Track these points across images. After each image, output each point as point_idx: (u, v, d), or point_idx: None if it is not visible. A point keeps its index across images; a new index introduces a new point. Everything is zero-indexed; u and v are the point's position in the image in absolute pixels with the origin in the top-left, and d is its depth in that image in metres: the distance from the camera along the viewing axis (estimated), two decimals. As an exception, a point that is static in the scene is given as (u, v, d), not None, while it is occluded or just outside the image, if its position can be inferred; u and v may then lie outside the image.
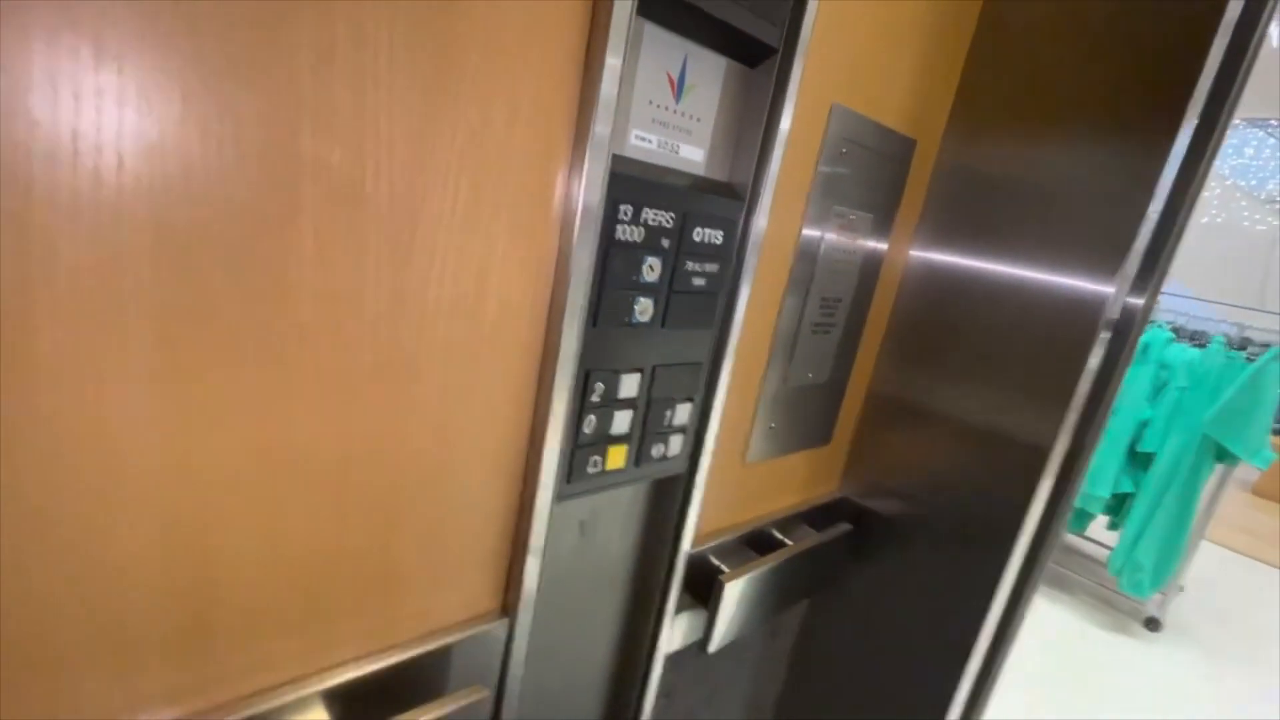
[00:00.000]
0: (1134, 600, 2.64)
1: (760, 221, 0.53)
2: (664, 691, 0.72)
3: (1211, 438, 2.26)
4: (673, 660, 0.71)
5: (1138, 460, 2.48)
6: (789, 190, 0.58)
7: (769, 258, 0.59)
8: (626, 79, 0.42)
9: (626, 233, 0.44)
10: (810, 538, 0.76)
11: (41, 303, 0.26)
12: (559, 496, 0.48)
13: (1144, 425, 2.45)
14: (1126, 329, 0.65)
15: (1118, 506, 2.56)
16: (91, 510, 0.29)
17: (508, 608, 0.49)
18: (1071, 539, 3.17)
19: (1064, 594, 2.94)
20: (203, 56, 0.27)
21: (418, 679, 0.45)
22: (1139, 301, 0.65)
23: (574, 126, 0.40)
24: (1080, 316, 0.64)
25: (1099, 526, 2.75)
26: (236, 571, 0.35)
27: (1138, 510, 2.44)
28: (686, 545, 0.61)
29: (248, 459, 0.33)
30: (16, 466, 0.27)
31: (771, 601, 0.73)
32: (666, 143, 0.47)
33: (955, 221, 0.73)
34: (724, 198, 0.51)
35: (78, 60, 0.24)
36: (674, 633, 0.66)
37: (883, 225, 0.70)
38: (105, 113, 0.25)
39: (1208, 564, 3.19)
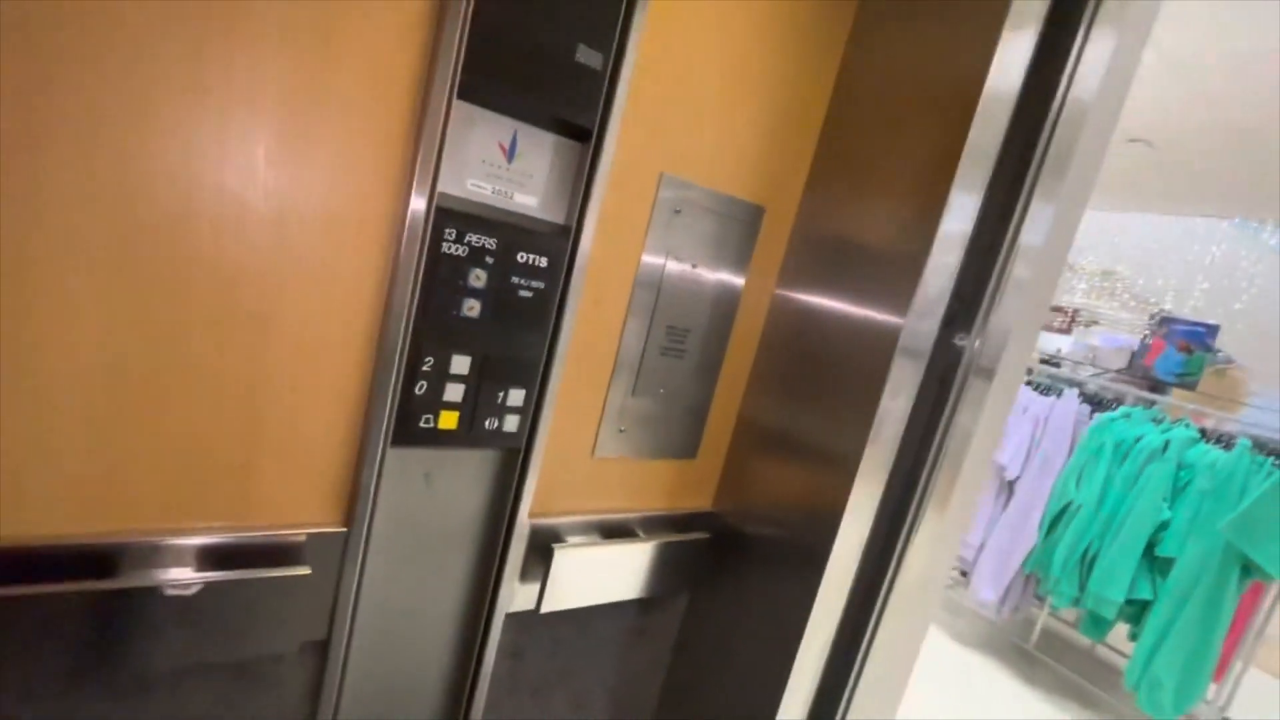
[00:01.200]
0: (1161, 724, 2.41)
1: (584, 254, 0.69)
2: (513, 652, 0.84)
3: (1236, 546, 2.11)
4: (520, 622, 0.83)
5: (1157, 565, 2.34)
6: (622, 236, 0.74)
7: (604, 287, 0.75)
8: (458, 143, 0.61)
9: (452, 249, 0.62)
10: (660, 536, 0.88)
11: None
12: (394, 441, 0.64)
13: (1163, 527, 2.32)
14: (944, 363, 0.76)
15: (1137, 614, 2.39)
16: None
17: (348, 521, 0.64)
18: (1095, 649, 2.95)
19: (1088, 710, 2.72)
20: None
21: (270, 558, 0.61)
22: (963, 343, 0.76)
23: (408, 174, 0.59)
24: (882, 342, 0.74)
25: (1124, 636, 2.56)
26: (137, 441, 0.53)
27: (1155, 620, 2.27)
28: (524, 512, 0.75)
29: (156, 364, 0.52)
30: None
31: (617, 583, 0.84)
32: (500, 190, 0.65)
33: (812, 271, 0.86)
34: (549, 234, 0.68)
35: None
36: (514, 593, 0.78)
37: (734, 270, 0.85)
38: None
39: (1257, 695, 2.87)
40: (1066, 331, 4.53)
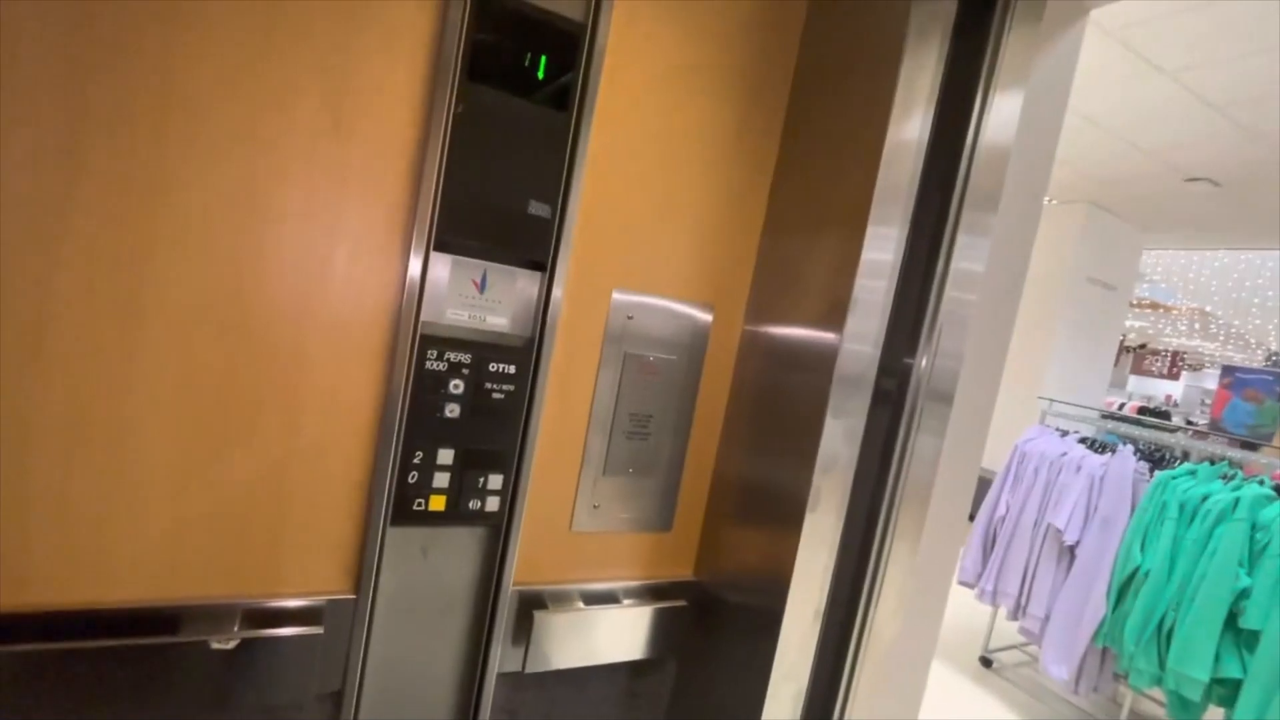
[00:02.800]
0: (1282, 827, 2.13)
1: (547, 359, 0.84)
2: (507, 707, 0.94)
3: (1329, 617, 1.92)
4: (513, 682, 0.94)
5: (1243, 638, 2.13)
6: (581, 341, 0.89)
7: (568, 384, 0.89)
8: (438, 284, 0.79)
9: (434, 365, 0.79)
10: (641, 604, 0.98)
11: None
12: (393, 521, 0.79)
13: (1243, 595, 2.13)
14: (895, 389, 0.85)
15: (1230, 696, 2.17)
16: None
17: (357, 588, 0.79)
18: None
19: (1193, 807, 2.43)
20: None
21: (294, 619, 0.76)
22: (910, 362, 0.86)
23: (397, 311, 0.77)
24: (821, 369, 0.84)
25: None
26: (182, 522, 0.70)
27: (1248, 700, 2.06)
28: (509, 581, 0.88)
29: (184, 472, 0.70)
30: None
31: (601, 647, 0.94)
32: (475, 315, 0.82)
33: (763, 362, 0.98)
34: (516, 347, 0.84)
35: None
36: (504, 655, 0.90)
37: (690, 363, 0.98)
38: (165, 315, 0.66)
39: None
40: (1174, 377, 4.29)
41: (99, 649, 0.65)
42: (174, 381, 0.68)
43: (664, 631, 1.00)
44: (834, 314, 0.84)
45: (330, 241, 0.73)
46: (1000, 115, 0.88)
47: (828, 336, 0.84)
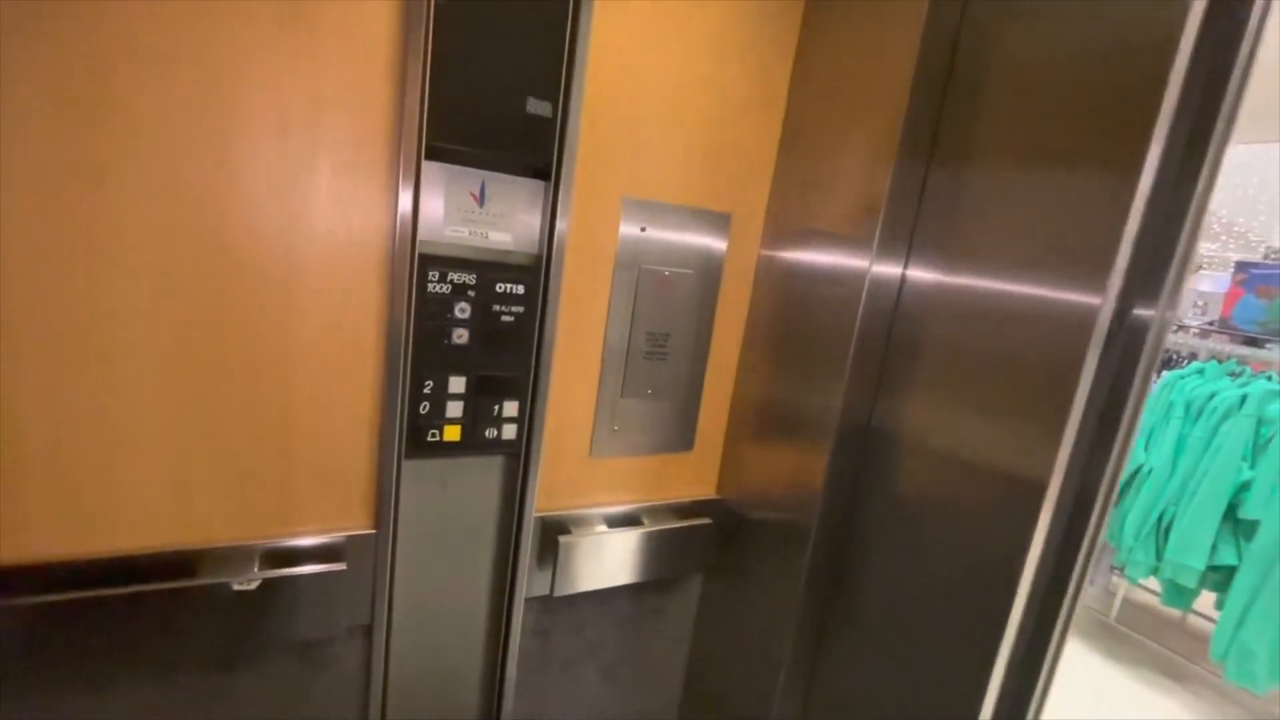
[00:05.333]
0: (1261, 697, 2.27)
1: (558, 278, 0.78)
2: (538, 631, 0.95)
3: (1328, 505, 1.96)
4: (542, 605, 0.94)
5: (1241, 528, 2.19)
6: (592, 257, 0.83)
7: (581, 304, 0.83)
8: (434, 198, 0.71)
9: (436, 288, 0.73)
10: (664, 524, 0.96)
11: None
12: (407, 454, 0.76)
13: (1244, 488, 2.17)
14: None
15: (1223, 581, 2.25)
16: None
17: (378, 524, 0.76)
18: (1186, 619, 2.79)
19: (1175, 683, 2.59)
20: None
21: (313, 557, 0.73)
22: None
23: (393, 230, 0.70)
24: (844, 290, 0.79)
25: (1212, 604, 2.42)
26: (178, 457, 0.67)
27: (1241, 585, 2.14)
28: (530, 510, 0.85)
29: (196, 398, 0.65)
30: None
31: (627, 568, 0.93)
32: (477, 231, 0.75)
33: (788, 266, 0.91)
34: (523, 265, 0.77)
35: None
36: (532, 580, 0.89)
37: (708, 274, 0.92)
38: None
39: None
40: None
41: (118, 596, 0.63)
42: (159, 323, 0.62)
43: (688, 549, 0.99)
44: (867, 219, 0.77)
45: (308, 154, 0.65)
46: None
47: (860, 238, 0.78)
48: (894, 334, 0.80)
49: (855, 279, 0.78)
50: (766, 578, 0.93)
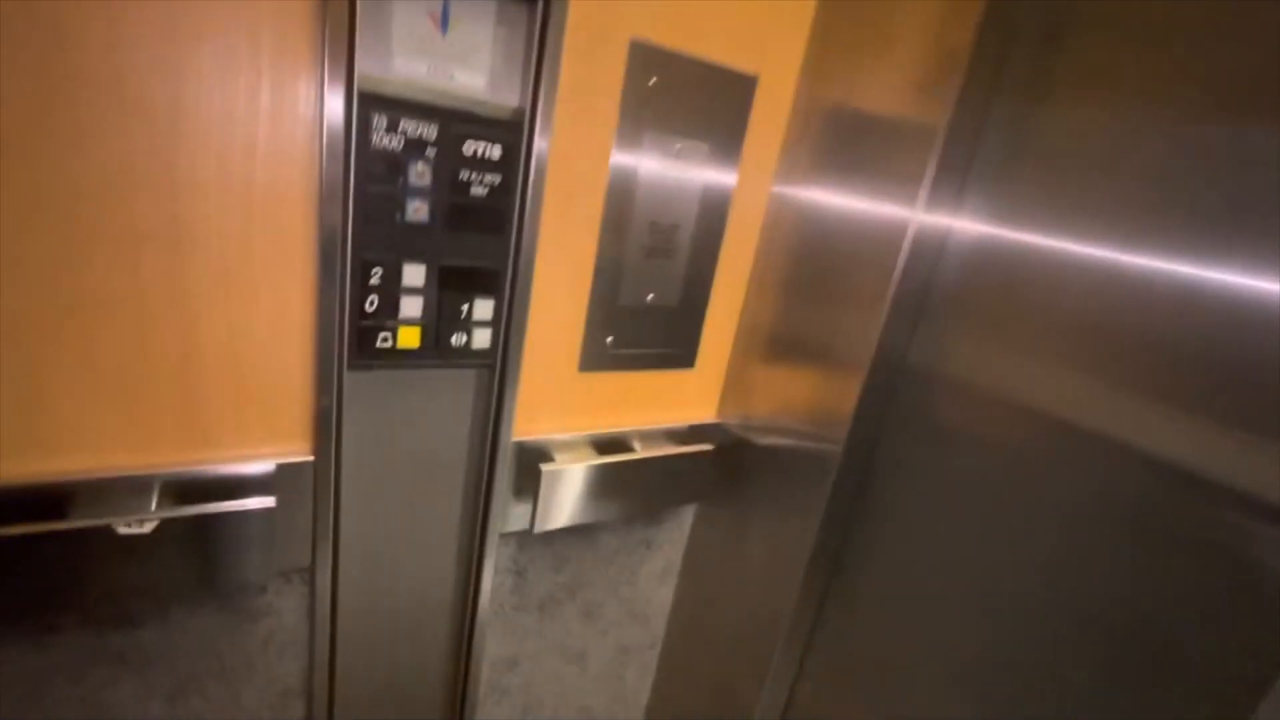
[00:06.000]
0: None
1: (544, 140, 0.60)
2: (515, 570, 0.83)
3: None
4: (519, 541, 0.81)
5: None
6: (588, 118, 0.64)
7: (573, 178, 0.66)
8: (375, 15, 0.52)
9: (383, 141, 0.54)
10: (658, 450, 0.83)
11: None
12: (351, 364, 0.59)
13: None
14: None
15: None
16: None
17: (316, 449, 0.61)
18: None
19: None
20: None
21: (231, 490, 0.58)
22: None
23: (319, 57, 0.50)
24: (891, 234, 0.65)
25: None
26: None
27: None
28: (507, 434, 0.71)
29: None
30: None
31: (616, 499, 0.81)
32: (437, 69, 0.56)
33: (821, 157, 0.75)
34: (501, 120, 0.59)
35: None
36: (508, 514, 0.76)
37: (725, 156, 0.75)
38: None
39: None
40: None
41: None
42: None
43: (685, 478, 0.87)
44: (940, 77, 0.61)
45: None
46: None
47: (916, 123, 0.62)
48: (950, 252, 0.66)
49: (909, 178, 0.63)
50: (775, 510, 0.82)
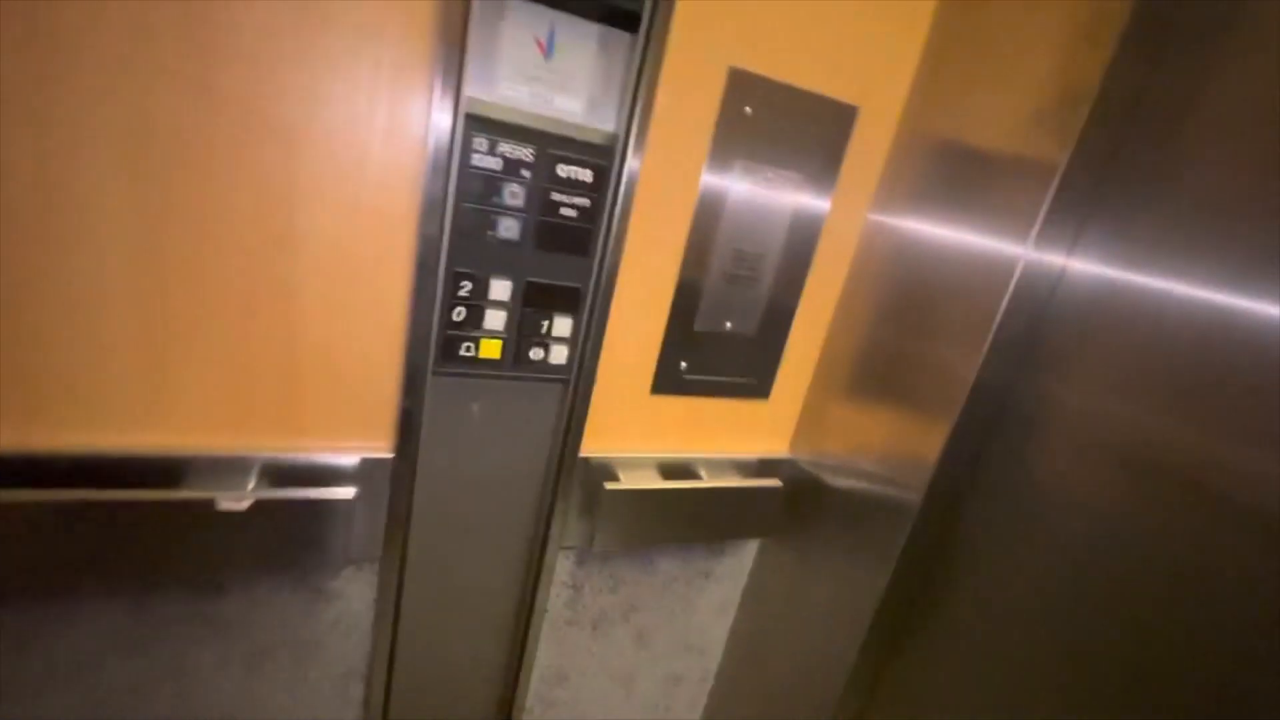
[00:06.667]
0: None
1: (636, 166, 0.61)
2: (571, 584, 0.83)
3: None
4: (578, 556, 0.82)
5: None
6: (681, 144, 0.65)
7: (661, 203, 0.66)
8: (486, 42, 0.54)
9: (484, 161, 0.56)
10: (724, 480, 0.82)
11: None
12: (436, 369, 0.62)
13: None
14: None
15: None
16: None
17: (397, 447, 0.64)
18: None
19: None
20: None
21: (318, 479, 0.62)
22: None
23: (430, 81, 0.53)
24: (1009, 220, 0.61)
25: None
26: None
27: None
28: (576, 449, 0.72)
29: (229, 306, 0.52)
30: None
31: (677, 526, 0.80)
32: (540, 95, 0.58)
33: (923, 188, 0.72)
34: (595, 144, 0.60)
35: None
36: (569, 528, 0.76)
37: (818, 186, 0.73)
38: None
39: None
40: None
41: (83, 501, 0.52)
42: (131, 170, 0.48)
43: (751, 512, 0.85)
44: (1054, 116, 0.57)
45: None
46: None
47: (1031, 158, 0.58)
48: (1064, 293, 0.61)
49: (1021, 213, 0.59)
50: (844, 555, 0.78)
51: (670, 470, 0.80)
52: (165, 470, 0.56)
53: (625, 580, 0.87)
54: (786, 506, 0.86)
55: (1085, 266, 0.59)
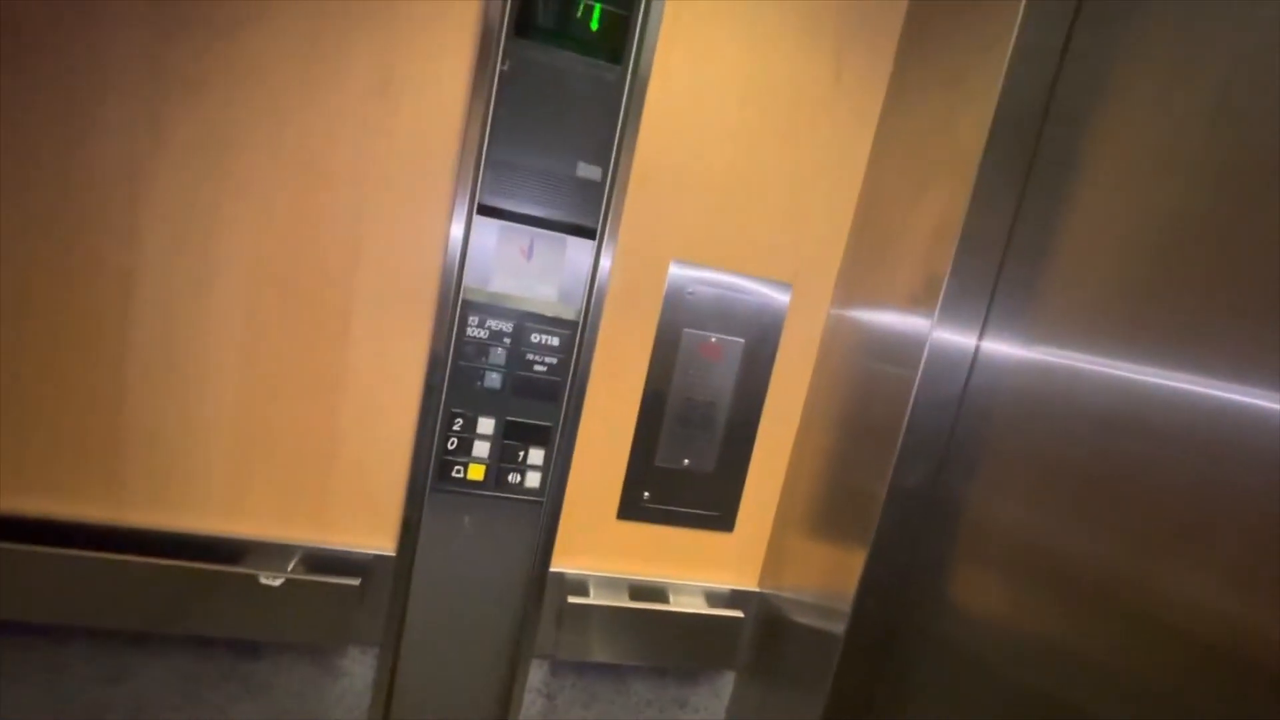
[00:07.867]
0: None
1: (594, 333, 0.80)
2: (546, 692, 0.92)
3: None
4: (552, 665, 0.91)
5: None
6: (634, 316, 0.83)
7: (619, 361, 0.83)
8: (484, 249, 0.77)
9: (475, 331, 0.77)
10: (690, 607, 0.89)
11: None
12: (433, 487, 0.80)
13: None
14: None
15: None
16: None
17: (400, 550, 0.81)
18: None
19: None
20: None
21: (336, 568, 0.79)
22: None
23: (441, 277, 0.76)
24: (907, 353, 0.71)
25: None
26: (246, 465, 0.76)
27: None
28: (548, 564, 0.85)
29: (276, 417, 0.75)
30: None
31: (643, 646, 0.88)
32: (522, 284, 0.79)
33: (850, 353, 0.84)
34: (560, 319, 0.80)
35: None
36: (539, 636, 0.87)
37: (762, 347, 0.87)
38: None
39: None
40: None
41: (165, 568, 0.73)
42: (238, 329, 0.74)
43: (716, 641, 0.91)
44: (927, 292, 0.69)
45: (377, 202, 0.74)
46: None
47: (916, 322, 0.69)
48: (966, 412, 0.69)
49: (906, 382, 0.69)
50: (796, 694, 0.82)
51: (641, 591, 0.90)
52: (226, 548, 0.76)
53: (599, 698, 0.94)
54: (757, 640, 0.91)
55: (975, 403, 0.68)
